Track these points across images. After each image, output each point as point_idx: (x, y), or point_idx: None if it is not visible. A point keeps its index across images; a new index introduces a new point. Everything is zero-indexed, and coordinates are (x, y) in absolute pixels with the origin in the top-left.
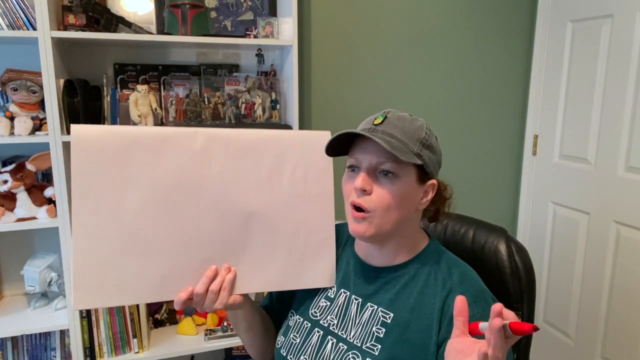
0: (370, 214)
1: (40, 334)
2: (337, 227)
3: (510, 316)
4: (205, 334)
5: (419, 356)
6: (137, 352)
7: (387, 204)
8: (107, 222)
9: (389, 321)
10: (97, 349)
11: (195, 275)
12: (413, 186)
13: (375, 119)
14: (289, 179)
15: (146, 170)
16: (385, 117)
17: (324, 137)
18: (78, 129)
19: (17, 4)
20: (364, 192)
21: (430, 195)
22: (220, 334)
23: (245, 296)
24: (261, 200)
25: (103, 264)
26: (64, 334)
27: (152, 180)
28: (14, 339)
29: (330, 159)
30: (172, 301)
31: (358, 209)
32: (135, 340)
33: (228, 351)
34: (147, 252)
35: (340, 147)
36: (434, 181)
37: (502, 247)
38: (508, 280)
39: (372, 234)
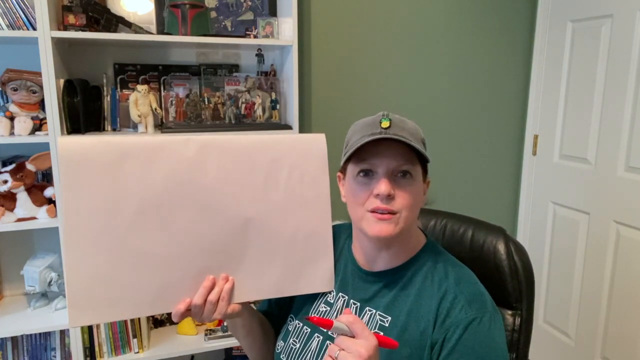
0: (396, 215)
1: (40, 334)
2: (334, 228)
3: (344, 319)
4: (205, 334)
5: (416, 358)
6: (137, 352)
7: (410, 204)
8: (100, 236)
9: (386, 325)
10: (97, 349)
11: (192, 286)
12: (421, 184)
13: (381, 122)
14: (285, 184)
15: (138, 181)
16: (390, 120)
17: (319, 140)
18: (66, 141)
19: (17, 4)
20: (389, 197)
21: (426, 193)
22: (220, 334)
23: (244, 304)
24: (257, 207)
25: (98, 279)
26: (64, 334)
27: (145, 191)
28: (14, 339)
29: (326, 162)
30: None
31: (383, 210)
32: (135, 340)
33: (228, 351)
34: (143, 264)
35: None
36: (429, 179)
37: (501, 247)
38: (507, 280)
39: (397, 233)
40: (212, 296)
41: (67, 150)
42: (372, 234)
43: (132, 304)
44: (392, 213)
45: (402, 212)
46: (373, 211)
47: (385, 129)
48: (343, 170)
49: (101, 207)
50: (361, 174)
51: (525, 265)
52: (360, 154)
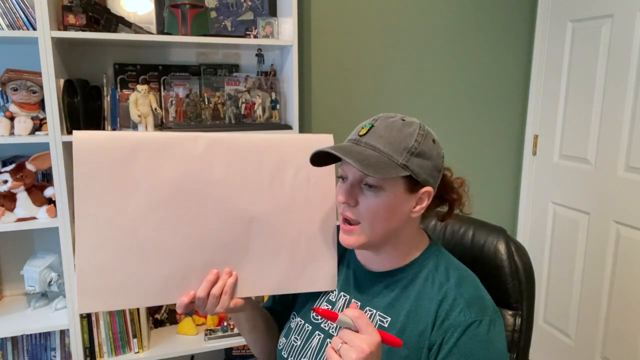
0: (358, 225)
1: (40, 334)
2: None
3: (349, 313)
4: (205, 334)
5: (414, 359)
6: (137, 352)
7: (372, 215)
8: (110, 227)
9: (386, 325)
10: (97, 349)
11: (197, 279)
12: (401, 197)
13: (362, 128)
14: (291, 183)
15: (148, 176)
16: (372, 127)
17: (327, 140)
18: (80, 135)
19: (17, 4)
20: (348, 205)
21: (425, 203)
22: (220, 334)
23: (247, 299)
24: (263, 204)
25: (106, 268)
26: (64, 334)
27: (154, 185)
28: (14, 339)
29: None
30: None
31: (346, 221)
32: (135, 340)
33: (228, 351)
34: (150, 256)
35: (331, 156)
36: (428, 189)
37: (502, 247)
38: (507, 280)
39: (362, 244)
40: (215, 290)
41: (82, 142)
42: (340, 242)
43: (138, 294)
44: (354, 222)
45: (366, 222)
46: (342, 218)
47: (361, 136)
48: None
49: (112, 199)
50: (340, 179)
51: (526, 266)
52: (342, 160)
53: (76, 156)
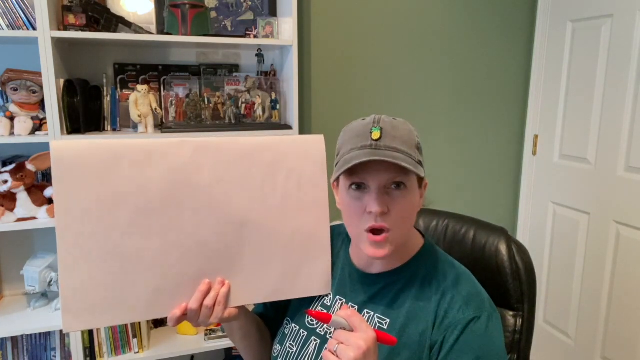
0: (388, 233)
1: (40, 334)
2: (332, 230)
3: (342, 313)
4: (205, 334)
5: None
6: (137, 352)
7: (404, 217)
8: (94, 241)
9: (385, 327)
10: (97, 349)
11: (188, 290)
12: (417, 191)
13: (371, 132)
14: (282, 187)
15: (133, 185)
16: (381, 129)
17: (317, 142)
18: (58, 145)
19: (17, 4)
20: (383, 213)
21: (423, 196)
22: (220, 334)
23: (241, 307)
24: (254, 210)
25: (92, 284)
26: (63, 334)
27: (140, 194)
28: (14, 339)
29: (324, 164)
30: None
31: (376, 232)
32: (135, 340)
33: (228, 351)
34: (138, 269)
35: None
36: (426, 181)
37: (503, 248)
38: (509, 280)
39: (392, 251)
40: (208, 301)
41: (60, 154)
42: (369, 255)
43: (126, 309)
44: (387, 231)
45: (396, 229)
46: (367, 231)
47: (376, 140)
48: (336, 179)
49: (95, 211)
50: (353, 187)
51: (527, 267)
52: (351, 167)
53: (55, 169)
